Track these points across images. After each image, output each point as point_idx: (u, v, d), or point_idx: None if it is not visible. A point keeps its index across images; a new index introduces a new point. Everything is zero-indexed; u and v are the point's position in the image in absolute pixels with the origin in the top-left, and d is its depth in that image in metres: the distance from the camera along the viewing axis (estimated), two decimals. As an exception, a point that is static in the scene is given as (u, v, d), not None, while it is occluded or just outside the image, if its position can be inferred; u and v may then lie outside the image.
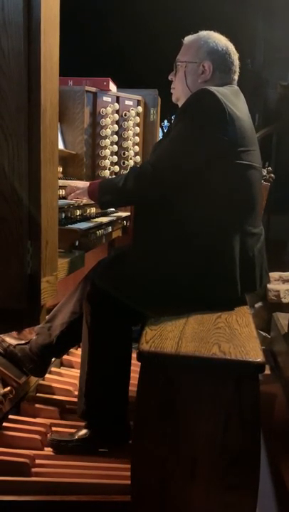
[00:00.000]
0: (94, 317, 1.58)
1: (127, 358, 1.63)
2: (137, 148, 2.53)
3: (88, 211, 1.94)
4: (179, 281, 1.52)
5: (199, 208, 1.53)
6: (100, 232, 1.69)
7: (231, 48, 1.68)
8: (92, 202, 1.79)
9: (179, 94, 1.72)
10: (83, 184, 1.77)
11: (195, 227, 1.53)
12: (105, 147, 2.32)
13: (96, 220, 1.83)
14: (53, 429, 1.74)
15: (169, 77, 1.77)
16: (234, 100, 1.56)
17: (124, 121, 2.43)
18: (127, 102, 2.44)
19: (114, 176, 2.36)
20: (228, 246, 1.52)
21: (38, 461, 1.55)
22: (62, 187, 1.81)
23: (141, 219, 1.69)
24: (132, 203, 1.81)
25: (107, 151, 2.33)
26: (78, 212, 1.81)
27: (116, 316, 1.55)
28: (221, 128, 1.49)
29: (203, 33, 1.69)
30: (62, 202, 1.73)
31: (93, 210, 1.99)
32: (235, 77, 1.71)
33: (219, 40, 1.67)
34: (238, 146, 1.53)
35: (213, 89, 1.52)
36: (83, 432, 1.64)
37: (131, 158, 2.50)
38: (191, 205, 1.54)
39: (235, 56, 1.69)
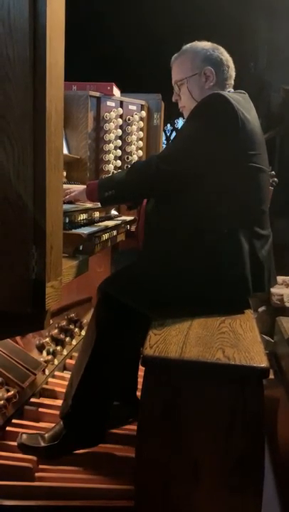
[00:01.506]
0: (106, 323, 1.55)
1: (135, 367, 1.62)
2: (140, 152, 2.53)
3: (91, 215, 1.94)
4: (189, 282, 1.52)
5: (209, 209, 1.54)
6: (104, 236, 1.69)
7: (219, 47, 1.72)
8: (89, 202, 1.77)
9: (190, 109, 1.70)
10: (78, 186, 1.77)
11: (204, 227, 1.54)
12: (109, 152, 2.33)
13: (100, 224, 1.83)
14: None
15: (173, 100, 1.78)
16: (245, 105, 1.58)
17: (127, 126, 2.44)
18: (131, 107, 2.45)
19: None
20: (237, 246, 1.53)
21: (41, 466, 1.55)
22: (66, 191, 1.82)
23: (151, 221, 1.69)
24: (134, 197, 1.77)
25: (111, 156, 2.34)
26: (82, 216, 1.81)
27: (127, 325, 1.54)
28: (232, 130, 1.51)
29: (187, 46, 1.73)
30: (66, 206, 1.74)
31: (97, 214, 1.99)
32: (233, 74, 1.74)
33: (205, 44, 1.71)
34: (249, 149, 1.55)
35: (225, 93, 1.55)
36: (54, 432, 1.59)
37: (134, 163, 2.51)
38: (201, 207, 1.55)
39: (225, 52, 1.72)
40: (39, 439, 1.59)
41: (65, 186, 1.82)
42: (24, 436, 1.59)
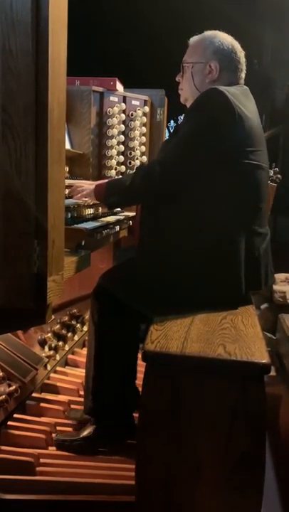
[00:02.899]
0: (100, 315, 1.60)
1: (134, 354, 1.64)
2: (143, 148, 2.52)
3: (95, 211, 1.93)
4: (184, 279, 1.52)
5: (206, 207, 1.53)
6: (106, 231, 1.69)
7: (237, 46, 1.69)
8: (98, 202, 1.79)
9: (187, 94, 1.73)
10: (88, 184, 1.77)
11: (201, 226, 1.53)
12: (112, 147, 2.32)
13: (103, 219, 1.83)
14: (58, 428, 1.74)
15: (177, 78, 1.77)
16: (243, 100, 1.56)
17: (130, 121, 2.43)
18: (134, 102, 2.44)
19: (120, 176, 2.36)
20: (234, 245, 1.52)
21: (42, 460, 1.56)
22: (68, 186, 1.81)
23: (148, 219, 1.69)
24: (138, 202, 1.79)
25: (114, 151, 2.33)
26: (85, 211, 1.81)
27: (122, 314, 1.56)
28: (229, 128, 1.50)
29: (209, 33, 1.70)
30: (68, 201, 1.74)
31: (100, 209, 1.99)
32: (243, 75, 1.71)
33: (225, 39, 1.68)
34: (246, 145, 1.53)
35: (223, 88, 1.52)
36: (88, 430, 1.65)
37: (137, 158, 2.50)
38: (197, 205, 1.54)
39: (241, 54, 1.69)
40: (75, 432, 1.67)
41: (76, 183, 1.82)
42: (59, 433, 1.69)
